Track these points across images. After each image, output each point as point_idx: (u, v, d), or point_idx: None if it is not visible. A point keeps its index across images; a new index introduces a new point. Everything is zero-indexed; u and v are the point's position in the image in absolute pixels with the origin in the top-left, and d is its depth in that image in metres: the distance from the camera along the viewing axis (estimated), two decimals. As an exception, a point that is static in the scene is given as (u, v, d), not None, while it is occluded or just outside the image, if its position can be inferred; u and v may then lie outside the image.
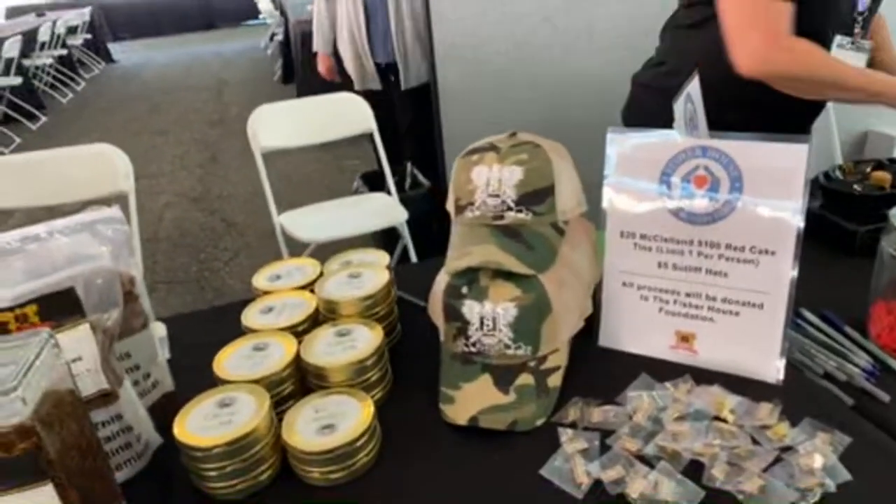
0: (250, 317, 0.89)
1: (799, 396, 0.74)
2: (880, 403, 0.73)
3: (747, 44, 1.05)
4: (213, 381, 0.78)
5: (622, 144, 0.82)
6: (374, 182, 2.65)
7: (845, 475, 0.64)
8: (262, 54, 9.03)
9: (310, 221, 2.18)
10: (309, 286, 0.94)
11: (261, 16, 8.76)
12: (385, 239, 2.55)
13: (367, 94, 2.89)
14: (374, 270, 0.92)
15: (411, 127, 2.96)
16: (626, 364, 0.82)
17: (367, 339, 0.81)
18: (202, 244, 3.41)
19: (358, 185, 2.71)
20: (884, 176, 1.10)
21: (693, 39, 1.26)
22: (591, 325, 0.87)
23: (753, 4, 1.06)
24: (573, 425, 0.73)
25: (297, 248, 2.15)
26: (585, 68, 2.37)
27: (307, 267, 1.00)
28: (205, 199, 4.05)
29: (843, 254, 1.02)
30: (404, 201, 2.33)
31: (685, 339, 0.82)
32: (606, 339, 0.87)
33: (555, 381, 0.78)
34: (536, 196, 0.81)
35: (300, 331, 0.85)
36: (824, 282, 0.94)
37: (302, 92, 4.97)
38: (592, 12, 2.32)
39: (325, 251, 1.11)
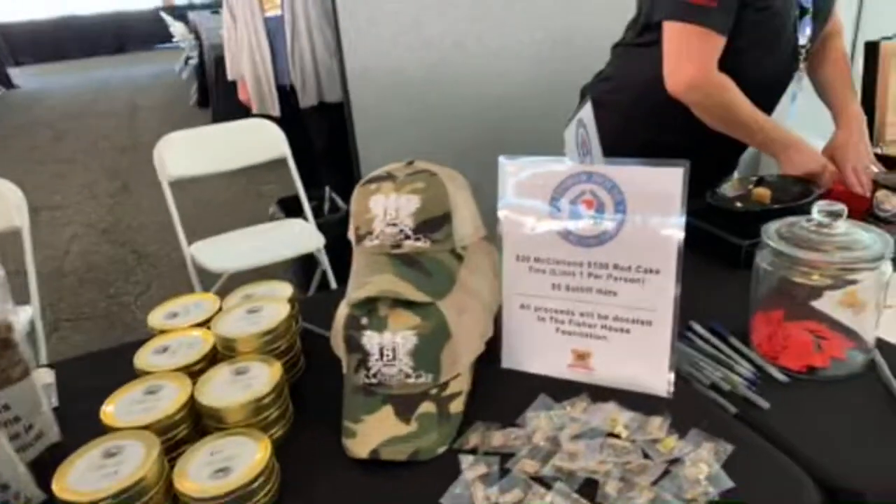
0: (143, 358, 0.85)
1: (687, 408, 0.77)
2: (761, 410, 0.77)
3: (681, 69, 1.19)
4: (105, 430, 0.74)
5: (513, 171, 0.84)
6: (291, 207, 2.60)
7: (728, 482, 0.67)
8: (177, 78, 8.77)
9: (222, 251, 2.12)
10: (207, 323, 0.91)
11: (174, 39, 8.52)
12: (303, 266, 2.51)
13: (285, 118, 2.87)
14: (275, 304, 0.91)
15: (328, 150, 2.94)
16: (528, 385, 0.84)
17: (265, 376, 0.79)
18: (111, 278, 3.25)
19: (274, 211, 2.66)
20: (764, 192, 1.17)
21: (641, 59, 1.32)
22: (495, 347, 0.88)
23: (691, 36, 1.18)
24: (474, 451, 0.74)
25: (210, 279, 2.08)
26: (499, 92, 2.42)
27: (206, 302, 0.97)
28: (115, 230, 3.87)
29: (730, 267, 1.08)
30: (322, 227, 2.30)
31: (581, 357, 0.84)
32: (508, 360, 0.88)
33: (457, 406, 0.78)
34: (434, 224, 0.82)
35: (196, 371, 0.83)
36: (713, 294, 1.00)
37: (218, 117, 4.85)
38: (502, 37, 2.38)
39: (239, 281, 1.08)
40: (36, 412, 0.79)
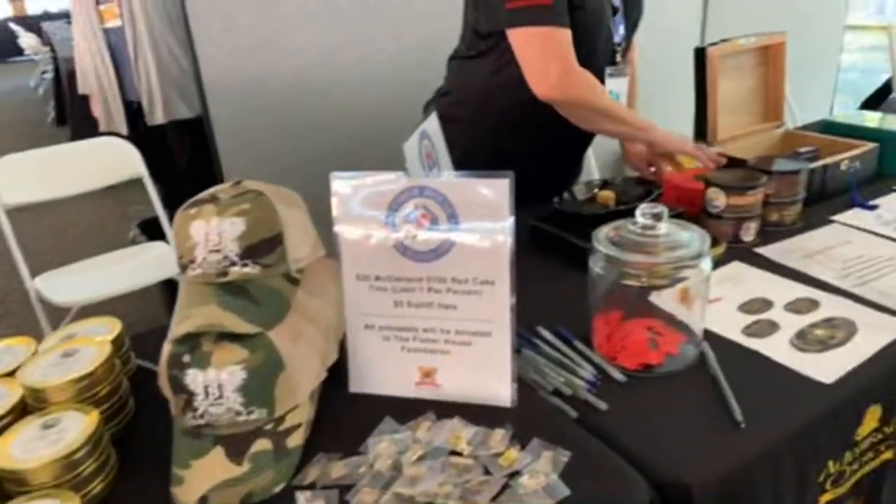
0: (-66, 420, 0.75)
1: (530, 417, 0.78)
2: (600, 412, 0.79)
3: (545, 70, 1.19)
4: None
5: (346, 188, 0.81)
6: (154, 229, 2.44)
7: (564, 491, 0.67)
8: (33, 94, 8.09)
9: (73, 281, 1.95)
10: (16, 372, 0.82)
11: (26, 52, 7.85)
12: (170, 292, 2.36)
13: (142, 135, 2.70)
14: (95, 345, 0.82)
15: (192, 168, 2.79)
16: (375, 408, 0.81)
17: (78, 427, 0.71)
18: (-48, 317, 2.92)
19: (135, 234, 2.49)
20: (608, 195, 1.21)
21: (477, 69, 1.33)
22: (342, 371, 0.85)
23: (544, 37, 1.18)
24: (313, 485, 0.70)
25: (59, 315, 1.91)
26: (366, 101, 2.39)
27: (18, 347, 0.87)
28: (-44, 265, 3.48)
29: (577, 270, 1.10)
30: (187, 249, 2.17)
31: (428, 374, 0.83)
32: (355, 384, 0.85)
33: (296, 440, 0.74)
34: (262, 247, 0.77)
35: (1, 427, 0.73)
36: (562, 298, 1.01)
37: (77, 134, 4.49)
38: (367, 46, 2.35)
39: (93, 314, 0.98)
40: None
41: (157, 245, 2.23)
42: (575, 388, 0.82)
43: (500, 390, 0.80)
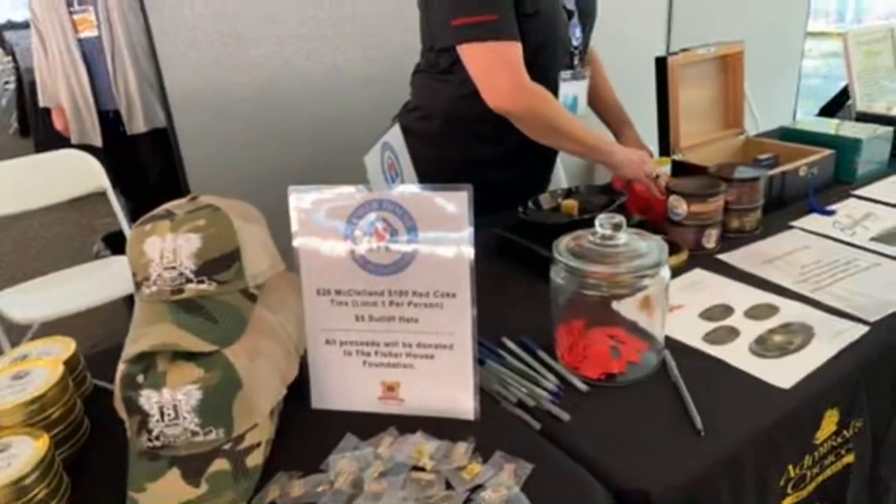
0: None
1: (493, 430, 0.77)
2: (562, 423, 0.79)
3: (497, 84, 1.20)
4: None
5: (304, 202, 0.80)
6: (120, 243, 2.40)
7: (526, 503, 0.67)
8: (-5, 104, 7.90)
9: (33, 298, 1.90)
10: (-35, 395, 0.79)
11: (-12, 61, 7.67)
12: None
13: (111, 146, 2.66)
14: (48, 366, 0.80)
15: (163, 179, 2.75)
16: (336, 424, 0.80)
17: (28, 451, 0.69)
18: None
19: (99, 248, 2.45)
20: (571, 204, 1.22)
21: (442, 83, 1.33)
22: (304, 388, 0.84)
23: (492, 52, 1.19)
24: (272, 506, 0.69)
25: (18, 332, 1.86)
26: (333, 112, 2.38)
27: (-32, 371, 0.84)
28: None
29: (541, 280, 1.10)
30: (154, 262, 2.13)
31: (391, 388, 0.82)
32: (318, 400, 0.84)
33: (255, 459, 0.73)
34: (219, 263, 0.76)
35: (-54, 455, 0.71)
36: (526, 308, 1.01)
37: (41, 146, 4.39)
38: (332, 57, 2.34)
39: (56, 332, 0.95)
40: None
41: (122, 259, 2.18)
42: (538, 399, 0.82)
43: (464, 403, 0.80)
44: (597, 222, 0.84)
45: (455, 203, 0.76)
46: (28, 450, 0.69)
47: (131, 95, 2.58)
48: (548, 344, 0.92)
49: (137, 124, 2.61)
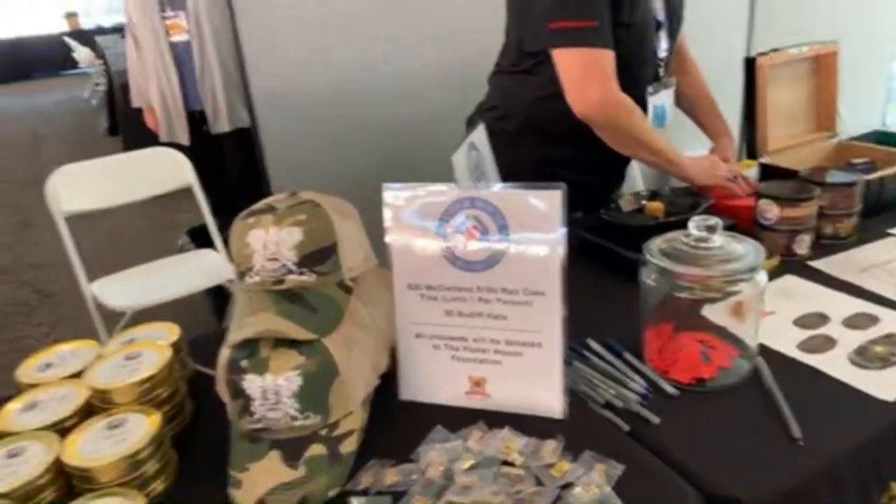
0: (6, 418, 0.79)
1: (581, 429, 0.77)
2: (652, 426, 0.78)
3: (587, 93, 1.18)
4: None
5: (398, 199, 0.83)
6: (202, 237, 2.51)
7: (617, 503, 0.66)
8: (86, 106, 8.38)
9: (127, 287, 2.01)
10: (82, 373, 0.85)
11: (80, 65, 8.15)
12: (218, 298, 2.42)
13: (196, 144, 2.78)
14: (156, 349, 0.85)
15: (243, 177, 2.86)
16: (425, 416, 0.82)
17: (142, 428, 0.74)
18: (11, 321, 3.04)
19: (184, 242, 2.56)
20: (656, 206, 1.20)
21: (523, 84, 1.33)
22: (393, 379, 0.86)
23: (586, 59, 1.18)
24: (366, 491, 0.71)
25: (114, 318, 1.97)
26: (410, 114, 2.42)
27: (83, 350, 0.91)
28: (14, 270, 3.62)
29: (626, 282, 1.09)
30: (235, 256, 2.22)
31: (478, 383, 0.83)
32: (406, 392, 0.86)
33: (349, 446, 0.75)
34: (318, 256, 0.79)
35: (67, 427, 0.76)
36: (610, 310, 1.01)
37: (129, 145, 4.62)
38: (412, 59, 2.38)
39: (148, 319, 1.01)
40: None
41: (206, 252, 2.29)
42: (627, 400, 0.81)
43: (551, 401, 0.80)
44: (690, 224, 0.82)
45: (548, 202, 0.77)
46: (141, 426, 0.74)
47: (217, 96, 2.70)
48: (634, 346, 0.91)
49: (222, 124, 2.73)
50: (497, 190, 0.78)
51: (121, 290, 2.00)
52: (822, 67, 1.51)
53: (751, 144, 1.47)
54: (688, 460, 0.72)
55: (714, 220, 0.82)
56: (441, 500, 0.68)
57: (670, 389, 0.83)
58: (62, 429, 0.76)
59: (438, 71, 2.39)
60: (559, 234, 0.76)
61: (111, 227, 3.89)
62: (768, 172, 1.39)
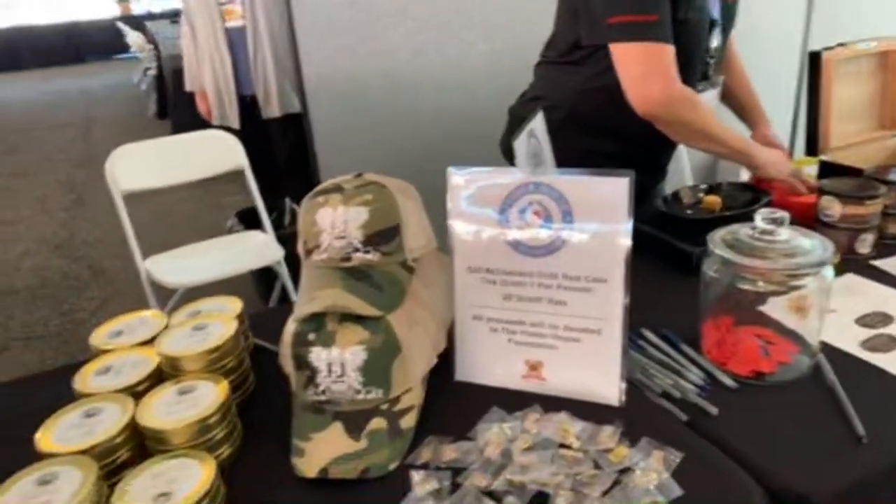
0: (84, 380, 0.82)
1: (638, 416, 0.78)
2: (710, 417, 0.78)
3: (648, 90, 1.15)
4: (39, 457, 0.71)
5: (462, 182, 0.84)
6: (250, 219, 2.56)
7: (676, 490, 0.67)
8: (136, 90, 8.60)
9: (178, 265, 2.07)
10: (153, 341, 0.89)
11: (131, 49, 8.36)
12: (264, 279, 2.47)
13: (246, 129, 2.83)
14: (222, 320, 0.88)
15: (290, 161, 2.91)
16: (481, 397, 0.83)
17: (211, 395, 0.77)
18: (65, 294, 3.15)
19: (233, 223, 2.62)
20: (714, 200, 1.19)
21: (570, 75, 1.32)
22: (448, 360, 0.87)
23: (647, 53, 1.15)
24: (426, 466, 0.73)
25: (167, 294, 2.04)
26: (458, 102, 2.43)
27: (152, 320, 0.95)
28: (68, 246, 3.76)
29: (682, 274, 1.09)
30: (282, 239, 2.27)
31: (534, 367, 0.84)
32: (462, 373, 0.87)
33: (408, 421, 0.77)
34: (383, 236, 0.81)
35: (140, 391, 0.80)
36: (665, 302, 1.01)
37: (177, 128, 4.76)
38: (461, 48, 2.39)
39: (196, 296, 1.05)
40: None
41: (254, 234, 2.33)
42: (684, 391, 0.81)
43: (608, 388, 0.80)
44: (757, 216, 0.82)
45: (615, 189, 0.77)
46: (210, 393, 0.77)
47: (268, 81, 2.74)
48: (690, 339, 0.91)
49: (272, 109, 2.78)
50: (562, 175, 0.79)
51: (173, 267, 2.06)
52: (891, 63, 1.47)
53: (811, 141, 1.44)
54: (748, 453, 0.72)
55: (781, 214, 0.81)
56: (500, 478, 0.69)
57: (729, 382, 0.83)
58: (135, 392, 0.79)
59: (488, 59, 2.39)
60: (625, 221, 0.77)
61: (159, 209, 4.00)
62: (828, 170, 1.35)
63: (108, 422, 0.74)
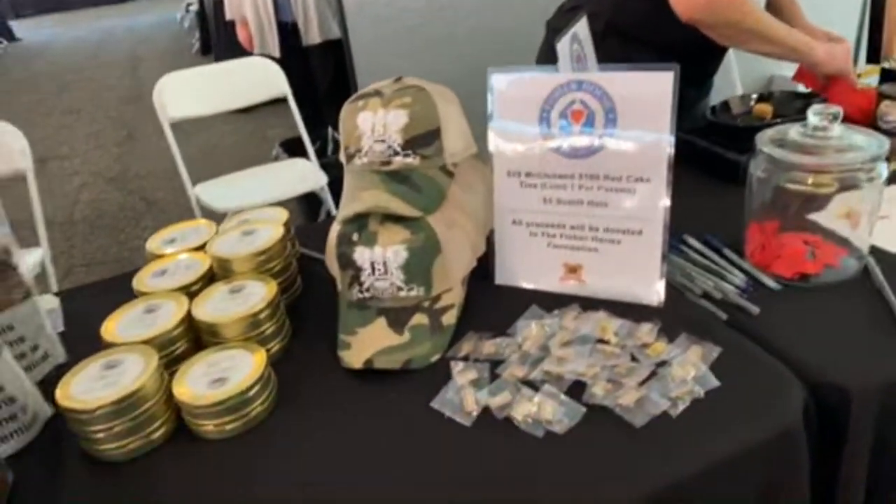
0: (142, 281, 0.87)
1: (678, 315, 0.78)
2: (751, 316, 0.77)
3: None
4: (107, 347, 0.76)
5: (502, 84, 0.83)
6: (294, 148, 2.60)
7: (714, 382, 0.68)
8: (179, 27, 8.63)
9: (226, 191, 2.12)
10: (204, 247, 0.92)
11: (173, -15, 8.35)
12: (308, 204, 2.51)
13: (287, 57, 2.83)
14: (270, 226, 0.91)
15: (331, 89, 2.91)
16: (520, 299, 0.84)
17: (260, 293, 0.80)
18: (121, 224, 3.28)
19: (277, 152, 2.66)
20: (765, 108, 1.15)
21: None
22: (488, 264, 0.89)
23: None
24: (466, 358, 0.75)
25: (215, 219, 2.09)
26: (498, 23, 2.36)
27: (202, 228, 0.98)
28: (122, 178, 3.89)
29: (729, 183, 1.06)
30: (326, 166, 2.29)
31: (573, 270, 0.84)
32: (502, 277, 0.89)
33: (449, 318, 0.79)
34: (423, 139, 0.81)
35: (194, 290, 0.84)
36: (711, 210, 0.99)
37: (220, 62, 4.78)
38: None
39: None
40: (40, 333, 0.81)
41: (298, 161, 2.37)
42: (725, 292, 0.81)
43: (648, 289, 0.81)
44: (809, 112, 0.78)
45: (659, 84, 0.75)
46: (260, 291, 0.81)
47: (308, 8, 2.72)
48: (733, 245, 0.89)
49: (312, 35, 2.76)
50: (606, 72, 0.77)
51: (222, 193, 2.11)
52: (967, -39, 1.36)
53: (874, 50, 1.36)
54: (789, 349, 0.72)
55: (836, 109, 0.77)
56: (537, 369, 0.71)
57: (771, 283, 0.82)
58: (189, 292, 0.83)
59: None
60: (668, 119, 0.75)
61: (205, 141, 4.08)
62: (890, 77, 1.28)
63: (166, 316, 0.78)
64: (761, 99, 1.19)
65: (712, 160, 1.09)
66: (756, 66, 2.66)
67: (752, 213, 0.86)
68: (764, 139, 0.81)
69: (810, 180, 0.78)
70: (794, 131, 0.80)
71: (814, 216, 0.84)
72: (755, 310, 0.78)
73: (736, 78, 2.13)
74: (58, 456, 0.71)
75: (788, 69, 1.84)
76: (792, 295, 0.81)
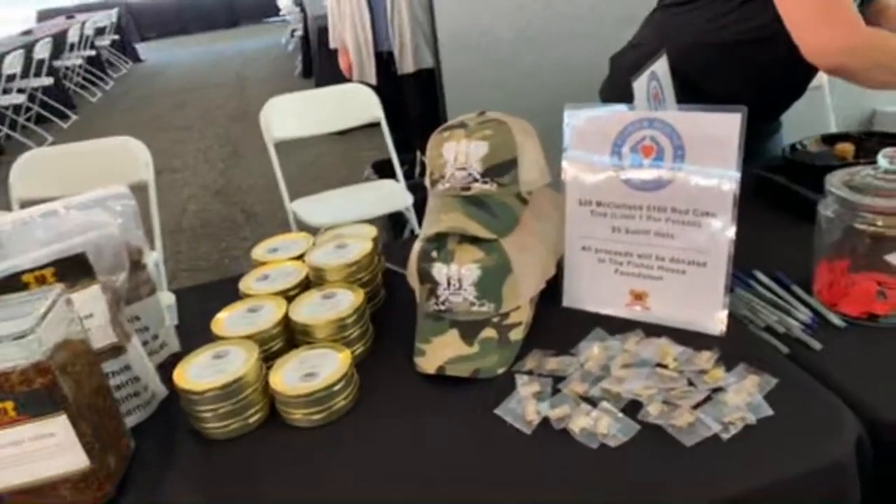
0: (247, 284, 0.98)
1: (738, 346, 0.81)
2: (813, 352, 0.79)
3: (830, 39, 1.02)
4: (215, 339, 0.87)
5: (578, 119, 0.89)
6: (384, 170, 2.74)
7: (768, 411, 0.70)
8: (284, 51, 9.18)
9: (320, 208, 2.27)
10: (302, 257, 1.03)
11: (281, 13, 8.90)
12: (394, 223, 2.64)
13: (382, 84, 3.00)
14: (360, 241, 1.01)
15: (421, 116, 3.04)
16: (585, 321, 0.89)
17: (349, 300, 0.89)
18: (223, 234, 3.54)
19: (368, 173, 2.81)
20: (847, 148, 1.15)
21: (684, 20, 1.28)
22: (557, 288, 0.94)
23: None
24: (530, 372, 0.81)
25: (309, 232, 2.25)
26: (587, 54, 2.40)
27: (301, 240, 1.09)
28: (226, 192, 4.19)
29: (805, 221, 1.07)
30: (413, 187, 2.41)
31: (638, 297, 0.89)
32: (569, 299, 0.94)
33: (516, 335, 0.85)
34: (500, 168, 0.88)
35: (291, 295, 0.94)
36: (783, 247, 1.00)
37: (320, 85, 5.06)
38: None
39: None
40: (160, 325, 0.94)
41: (387, 182, 2.50)
42: (788, 326, 0.83)
43: (710, 318, 0.84)
44: (880, 155, 0.80)
45: (727, 125, 0.79)
46: (349, 299, 0.90)
47: (404, 38, 2.88)
48: (802, 284, 0.91)
49: (407, 64, 2.91)
50: (675, 111, 0.82)
51: (317, 209, 2.27)
52: None
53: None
54: (847, 385, 0.73)
55: (907, 153, 0.79)
56: (596, 386, 0.76)
57: (837, 321, 0.83)
58: (288, 296, 0.94)
59: (617, 9, 2.35)
60: (735, 158, 0.79)
61: (303, 160, 4.33)
62: None
63: (267, 316, 0.89)
64: (844, 138, 1.19)
65: (789, 197, 1.10)
66: (853, 101, 2.58)
67: (822, 251, 0.88)
68: (834, 180, 0.83)
69: (880, 222, 0.80)
70: (864, 173, 0.82)
71: (889, 257, 0.85)
72: (817, 345, 0.79)
73: (829, 112, 2.09)
74: (170, 431, 0.82)
75: (893, 103, 1.76)
76: (857, 334, 0.82)
